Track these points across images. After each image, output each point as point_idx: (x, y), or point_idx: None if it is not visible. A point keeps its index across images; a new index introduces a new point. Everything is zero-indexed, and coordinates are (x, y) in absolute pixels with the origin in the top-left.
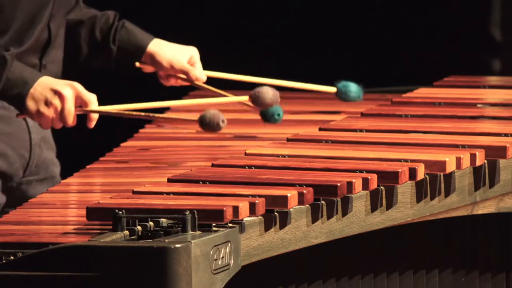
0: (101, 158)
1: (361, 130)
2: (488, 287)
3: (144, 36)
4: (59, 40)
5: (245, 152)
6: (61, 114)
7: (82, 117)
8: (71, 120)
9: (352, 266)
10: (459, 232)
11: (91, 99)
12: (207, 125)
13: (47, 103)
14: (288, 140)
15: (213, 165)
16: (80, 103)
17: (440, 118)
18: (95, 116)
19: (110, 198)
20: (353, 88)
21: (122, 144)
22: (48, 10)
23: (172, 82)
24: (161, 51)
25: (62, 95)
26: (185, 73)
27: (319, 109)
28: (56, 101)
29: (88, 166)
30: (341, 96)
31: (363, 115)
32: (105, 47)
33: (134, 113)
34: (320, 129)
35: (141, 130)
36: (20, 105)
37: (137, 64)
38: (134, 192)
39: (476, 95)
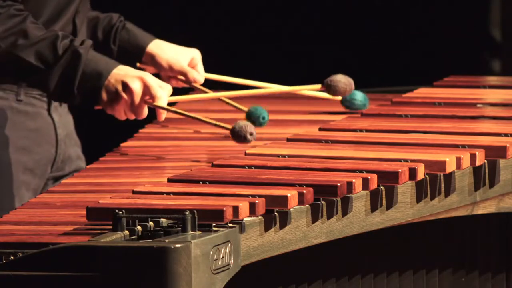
0: (101, 158)
1: (361, 130)
2: (488, 287)
3: (145, 36)
4: (81, 35)
5: (245, 152)
6: (132, 107)
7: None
8: (142, 113)
9: (352, 266)
10: (459, 232)
11: (158, 94)
12: (236, 135)
13: (117, 96)
14: (288, 140)
15: (213, 165)
16: (148, 95)
17: (440, 118)
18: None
19: (110, 198)
20: (358, 96)
21: (122, 144)
22: (75, 5)
23: (173, 83)
24: (161, 52)
25: (130, 88)
26: (184, 74)
27: (319, 109)
28: (124, 95)
29: (88, 166)
30: (346, 104)
31: (363, 115)
32: (106, 47)
33: (201, 118)
34: (320, 129)
35: (141, 130)
36: (94, 98)
37: (138, 64)
38: (134, 192)
39: (476, 95)
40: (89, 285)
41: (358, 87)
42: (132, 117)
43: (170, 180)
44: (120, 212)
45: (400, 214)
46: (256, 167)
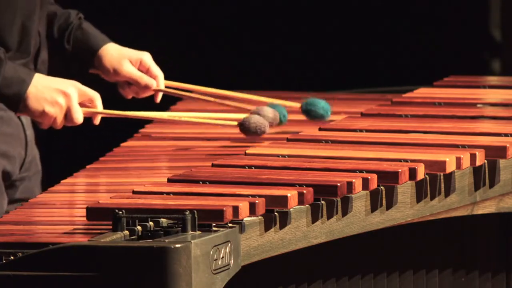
0: (101, 158)
1: (361, 130)
2: (488, 287)
3: (99, 38)
4: (44, 39)
5: (245, 152)
6: (68, 113)
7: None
8: (80, 117)
9: (352, 266)
10: (459, 232)
11: (95, 95)
12: (248, 129)
13: (53, 103)
14: (288, 140)
15: (213, 165)
16: (84, 100)
17: (440, 118)
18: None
19: (110, 198)
20: (321, 104)
21: (122, 144)
22: (36, 16)
23: (131, 93)
24: (107, 55)
25: (67, 94)
26: (135, 82)
27: None
28: (62, 101)
29: (88, 166)
30: (307, 113)
31: (363, 115)
32: (60, 46)
33: (144, 116)
34: (320, 129)
35: (141, 130)
36: (17, 104)
37: (90, 70)
38: (134, 192)
39: (476, 95)
40: (89, 285)
41: (358, 87)
42: (61, 125)
43: (170, 180)
44: (120, 212)
45: (400, 214)
46: (256, 167)
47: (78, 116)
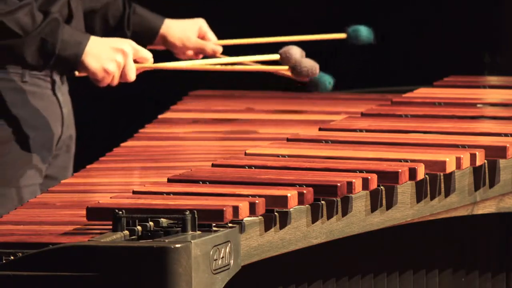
0: (101, 158)
1: (361, 130)
2: (488, 287)
3: (156, 19)
4: (78, 15)
5: (245, 152)
6: (123, 70)
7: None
8: (133, 75)
9: (352, 266)
10: (459, 232)
11: (148, 54)
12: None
13: (111, 60)
14: (288, 140)
15: (213, 165)
16: (137, 58)
17: (440, 118)
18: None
19: (110, 198)
20: (364, 31)
21: (122, 144)
22: None
23: (190, 56)
24: (171, 31)
25: (124, 51)
26: (201, 50)
27: (319, 109)
28: (119, 58)
29: (88, 166)
30: (352, 40)
31: (363, 115)
32: (120, 33)
33: (206, 64)
34: (320, 129)
35: (141, 130)
36: (75, 65)
37: (148, 46)
38: (134, 192)
39: (476, 95)
40: (89, 285)
41: (357, 86)
42: (117, 82)
43: (170, 180)
44: (120, 212)
45: (400, 214)
46: (256, 167)
47: (132, 73)
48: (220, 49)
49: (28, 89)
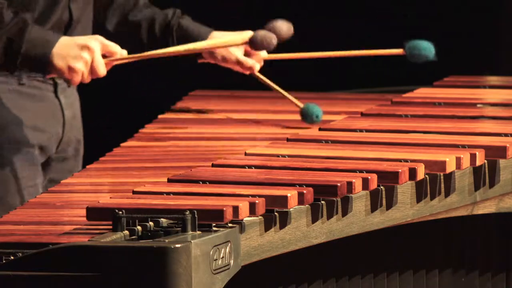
0: (101, 158)
1: (361, 130)
2: (488, 287)
3: (200, 32)
4: (83, 22)
5: (245, 152)
6: (92, 66)
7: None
8: (102, 69)
9: (352, 266)
10: (459, 232)
11: (117, 49)
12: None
13: (77, 58)
14: (288, 140)
15: (213, 165)
16: (106, 53)
17: (440, 118)
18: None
19: (110, 198)
20: (424, 45)
21: (122, 144)
22: None
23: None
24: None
25: (90, 47)
26: (240, 65)
27: None
28: (85, 55)
29: (88, 166)
30: (412, 57)
31: (363, 115)
32: (165, 45)
33: (169, 51)
34: (320, 129)
35: (141, 130)
36: (45, 65)
37: (199, 60)
38: (134, 192)
39: (476, 95)
40: (89, 285)
41: (357, 86)
42: (89, 79)
43: (170, 180)
44: (120, 212)
45: (400, 214)
46: (256, 167)
47: (101, 68)
48: (259, 66)
49: (26, 91)
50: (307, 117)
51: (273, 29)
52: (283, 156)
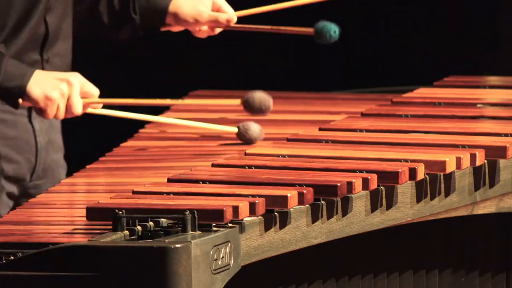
0: (101, 158)
1: (361, 130)
2: (488, 287)
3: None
4: (64, 32)
5: (245, 152)
6: (69, 102)
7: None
8: (79, 108)
9: (352, 266)
10: (459, 232)
11: (94, 91)
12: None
13: (54, 87)
14: (288, 140)
15: (213, 165)
16: (84, 94)
17: (440, 118)
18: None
19: (110, 198)
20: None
21: (122, 144)
22: (42, 4)
23: (207, 33)
24: (181, 8)
25: (69, 81)
26: (215, 21)
27: (319, 109)
28: (64, 86)
29: (88, 166)
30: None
31: (363, 115)
32: (127, 18)
33: (144, 102)
34: (320, 129)
35: (141, 130)
36: (19, 96)
37: (162, 28)
38: (134, 192)
39: (476, 95)
40: (89, 285)
41: (357, 86)
42: (63, 115)
43: (170, 180)
44: (120, 212)
45: (400, 214)
46: (256, 167)
47: (78, 106)
48: (235, 18)
49: (0, 117)
50: (321, 36)
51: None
52: (283, 156)
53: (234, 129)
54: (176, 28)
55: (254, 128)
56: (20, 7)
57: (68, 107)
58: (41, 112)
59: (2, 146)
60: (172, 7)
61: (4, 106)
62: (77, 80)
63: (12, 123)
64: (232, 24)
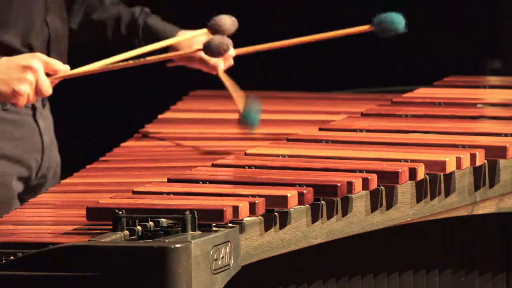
0: (101, 158)
1: (361, 130)
2: (488, 287)
3: (167, 31)
4: (62, 36)
5: (245, 152)
6: (37, 86)
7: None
8: (47, 88)
9: (352, 266)
10: (459, 232)
11: (59, 65)
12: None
13: (21, 80)
14: (288, 140)
15: (213, 165)
16: (49, 71)
17: (440, 118)
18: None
19: (110, 198)
20: (393, 18)
21: (122, 144)
22: (41, 4)
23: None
24: (180, 44)
25: (32, 68)
26: (204, 62)
27: (319, 109)
28: (29, 76)
29: (88, 166)
30: (381, 32)
31: (363, 115)
32: (132, 44)
33: (119, 64)
34: (320, 129)
35: (141, 130)
36: None
37: (168, 65)
38: (134, 192)
39: (476, 95)
40: (89, 285)
41: (357, 86)
42: (35, 99)
43: (170, 180)
44: (120, 212)
45: (400, 214)
46: (256, 167)
47: (47, 88)
48: (223, 64)
49: (9, 118)
50: (245, 121)
51: (218, 26)
52: (283, 156)
53: (204, 30)
54: (182, 63)
55: (225, 20)
56: (24, 13)
57: (37, 91)
58: (13, 104)
59: (13, 147)
60: (174, 42)
61: (13, 107)
62: (39, 63)
63: (19, 123)
64: (218, 72)
